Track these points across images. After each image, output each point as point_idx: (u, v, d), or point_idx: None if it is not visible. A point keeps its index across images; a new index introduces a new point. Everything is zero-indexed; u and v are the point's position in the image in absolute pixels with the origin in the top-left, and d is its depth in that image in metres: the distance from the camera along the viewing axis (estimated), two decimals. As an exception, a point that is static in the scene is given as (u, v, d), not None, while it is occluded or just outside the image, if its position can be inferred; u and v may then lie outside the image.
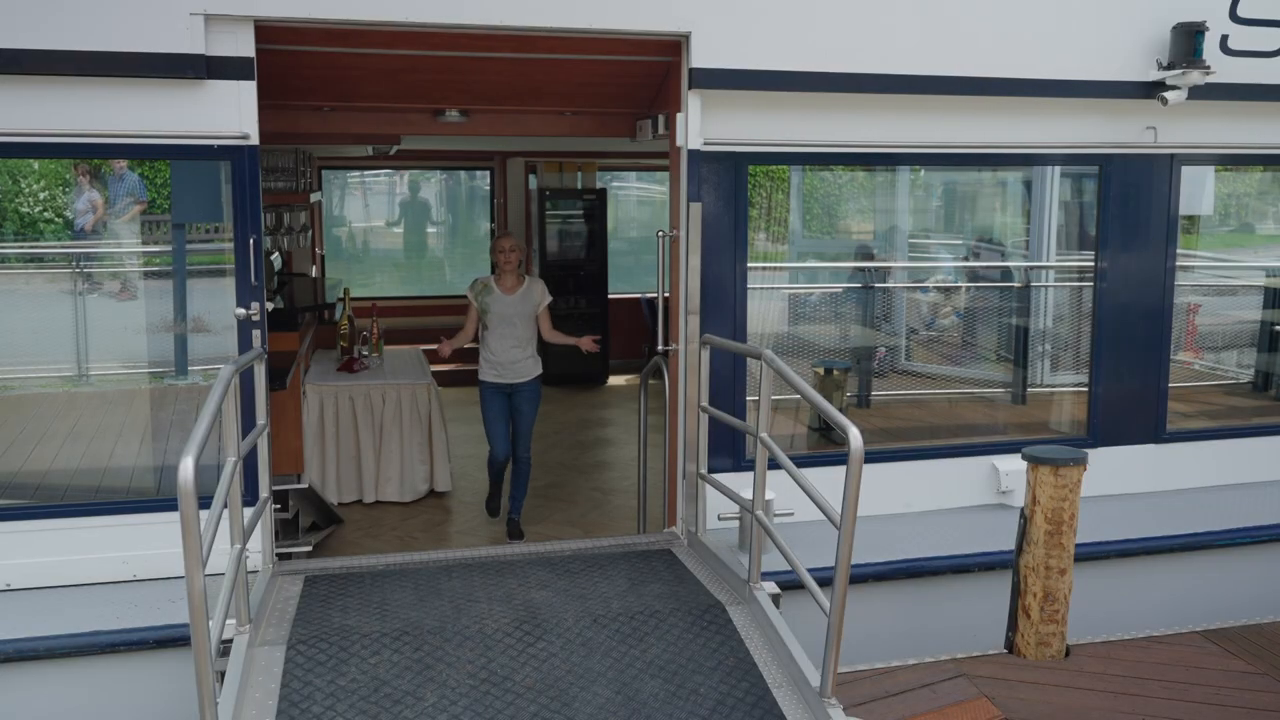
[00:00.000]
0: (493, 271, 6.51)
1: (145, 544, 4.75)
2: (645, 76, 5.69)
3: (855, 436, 3.57)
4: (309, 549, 5.48)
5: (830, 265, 6.92)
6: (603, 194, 11.16)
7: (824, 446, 6.20)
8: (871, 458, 4.92)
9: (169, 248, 5.09)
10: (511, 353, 6.27)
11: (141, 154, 4.79)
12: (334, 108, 6.70)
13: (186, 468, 2.87)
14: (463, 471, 7.59)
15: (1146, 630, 5.26)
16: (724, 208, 5.36)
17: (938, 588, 5.24)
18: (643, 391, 6.20)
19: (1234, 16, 5.83)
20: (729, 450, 5.47)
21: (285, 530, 5.75)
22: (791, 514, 4.88)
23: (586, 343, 6.36)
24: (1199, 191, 6.54)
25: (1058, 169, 6.50)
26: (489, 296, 6.28)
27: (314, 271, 9.26)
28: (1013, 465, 5.71)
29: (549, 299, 6.39)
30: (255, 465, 4.75)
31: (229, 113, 4.66)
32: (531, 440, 6.54)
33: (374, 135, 7.64)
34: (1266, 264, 7.51)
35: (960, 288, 7.00)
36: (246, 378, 4.60)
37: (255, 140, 4.70)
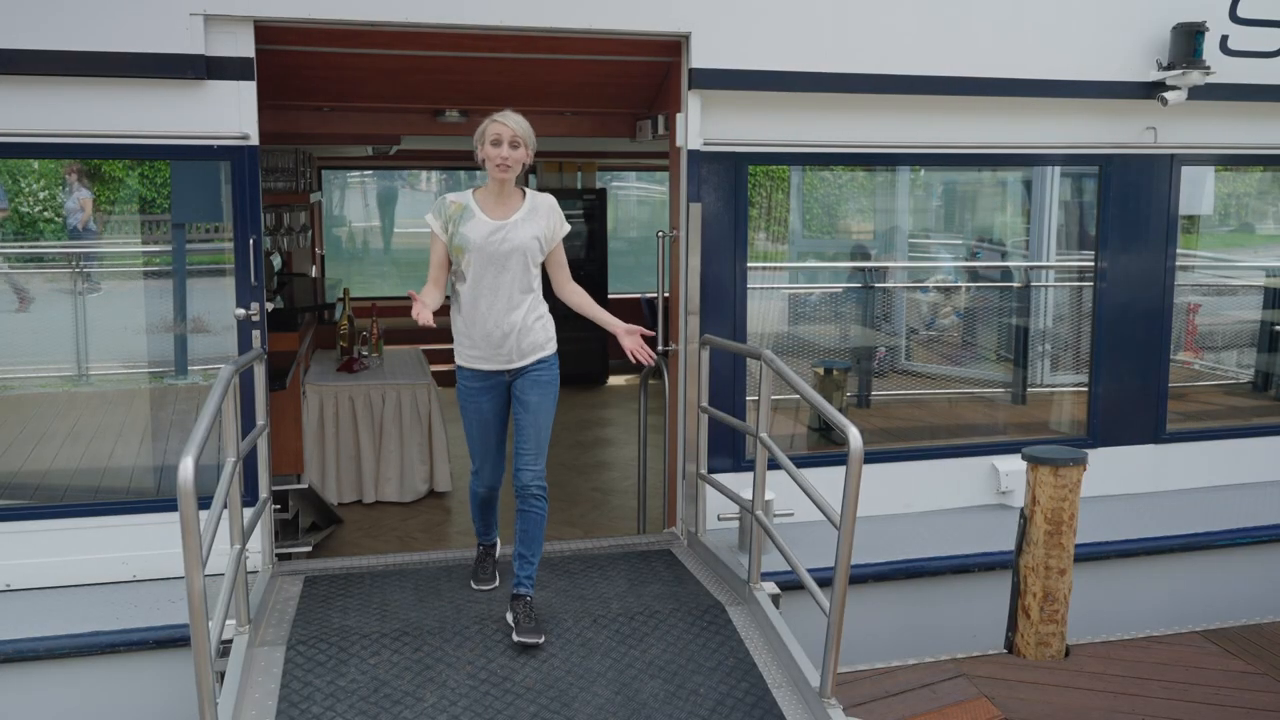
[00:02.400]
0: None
1: (145, 544, 4.75)
2: (645, 77, 5.69)
3: (855, 437, 3.58)
4: (309, 549, 5.48)
5: (830, 265, 6.92)
6: (603, 194, 11.16)
7: (824, 446, 6.20)
8: (871, 458, 4.93)
9: (169, 248, 5.08)
10: (507, 318, 4.05)
11: (141, 154, 4.79)
12: (334, 108, 6.70)
13: (186, 468, 2.87)
14: (462, 472, 7.57)
15: (1146, 630, 5.26)
16: (724, 208, 5.36)
17: (938, 588, 5.25)
18: (643, 391, 6.20)
19: (1234, 17, 5.83)
20: (729, 450, 5.47)
21: (285, 530, 5.76)
22: (791, 514, 4.88)
23: (636, 345, 4.09)
24: (1199, 191, 6.54)
25: (1058, 169, 6.50)
26: (466, 224, 4.01)
27: (314, 271, 9.26)
28: (1013, 465, 5.71)
29: (567, 227, 4.20)
30: (255, 465, 4.75)
31: (229, 113, 4.66)
32: (547, 455, 4.22)
33: (374, 135, 7.64)
34: (1266, 264, 7.51)
35: (960, 288, 7.00)
36: (246, 378, 4.60)
37: (255, 140, 4.70)
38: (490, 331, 4.07)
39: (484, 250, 3.98)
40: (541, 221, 4.08)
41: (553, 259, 4.19)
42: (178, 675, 4.26)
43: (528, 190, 4.14)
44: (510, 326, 4.07)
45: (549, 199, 4.15)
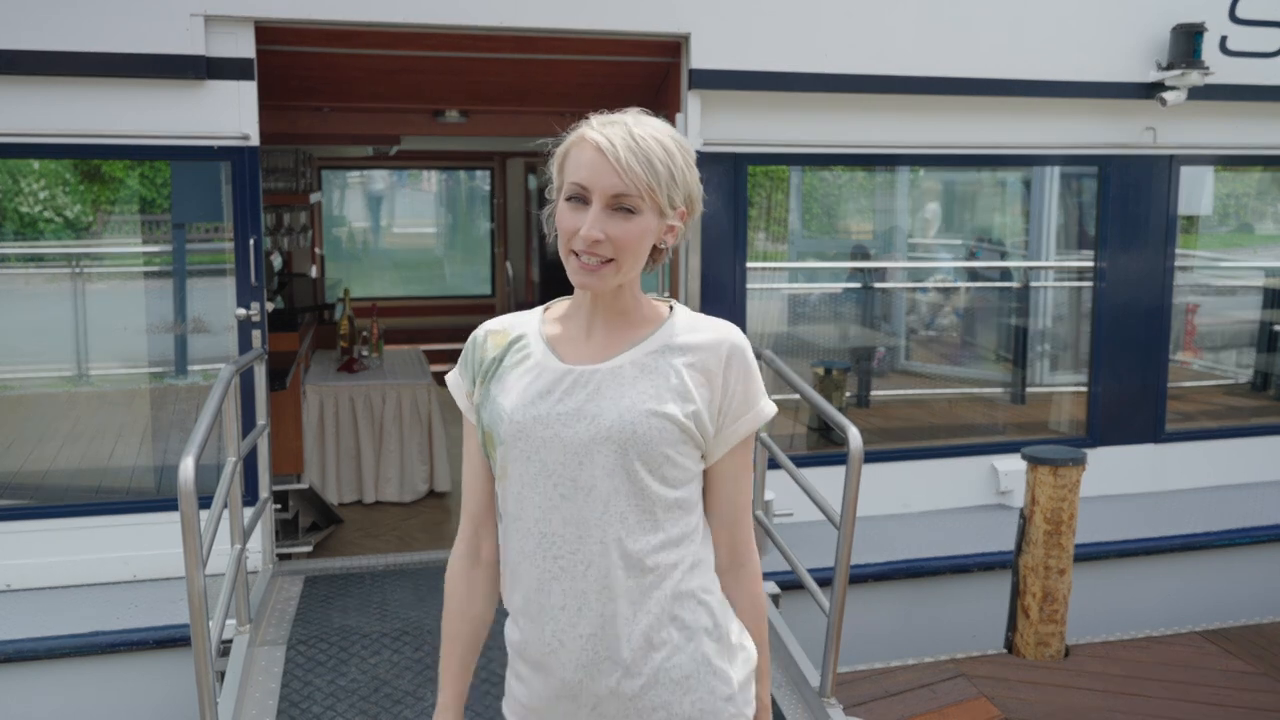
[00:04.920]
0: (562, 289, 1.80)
1: (145, 544, 4.75)
2: (645, 77, 5.70)
3: (855, 436, 3.58)
4: (309, 549, 5.48)
5: (830, 265, 6.93)
6: (602, 194, 11.14)
7: (824, 446, 6.20)
8: (871, 458, 4.93)
9: (169, 248, 5.09)
10: (595, 617, 1.65)
11: (141, 155, 4.79)
12: (334, 108, 6.70)
13: (186, 468, 2.88)
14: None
15: (1146, 630, 5.26)
16: (724, 208, 5.36)
17: (938, 588, 5.25)
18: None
19: (1233, 17, 5.84)
20: (729, 450, 5.46)
21: (285, 530, 5.76)
22: (791, 514, 4.88)
23: None
24: (1198, 192, 6.55)
25: (1057, 169, 6.51)
26: (507, 376, 1.72)
27: (313, 272, 9.26)
28: (1012, 465, 5.71)
29: (768, 408, 1.73)
30: (255, 465, 4.75)
31: (229, 114, 4.66)
32: None
33: (374, 135, 7.65)
34: (1266, 264, 7.52)
35: (959, 288, 7.00)
36: (246, 378, 4.61)
37: (255, 141, 4.70)
38: (554, 655, 1.68)
39: (530, 437, 1.68)
40: (687, 378, 1.68)
41: (717, 486, 1.75)
42: (178, 675, 4.25)
43: (677, 306, 1.78)
44: (606, 648, 1.66)
45: (729, 335, 1.73)
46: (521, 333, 1.76)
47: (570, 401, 1.67)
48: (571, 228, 1.63)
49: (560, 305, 1.81)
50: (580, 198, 1.63)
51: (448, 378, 1.85)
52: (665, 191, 1.62)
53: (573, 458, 1.66)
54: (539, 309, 1.83)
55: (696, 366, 1.69)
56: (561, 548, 1.66)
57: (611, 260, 1.62)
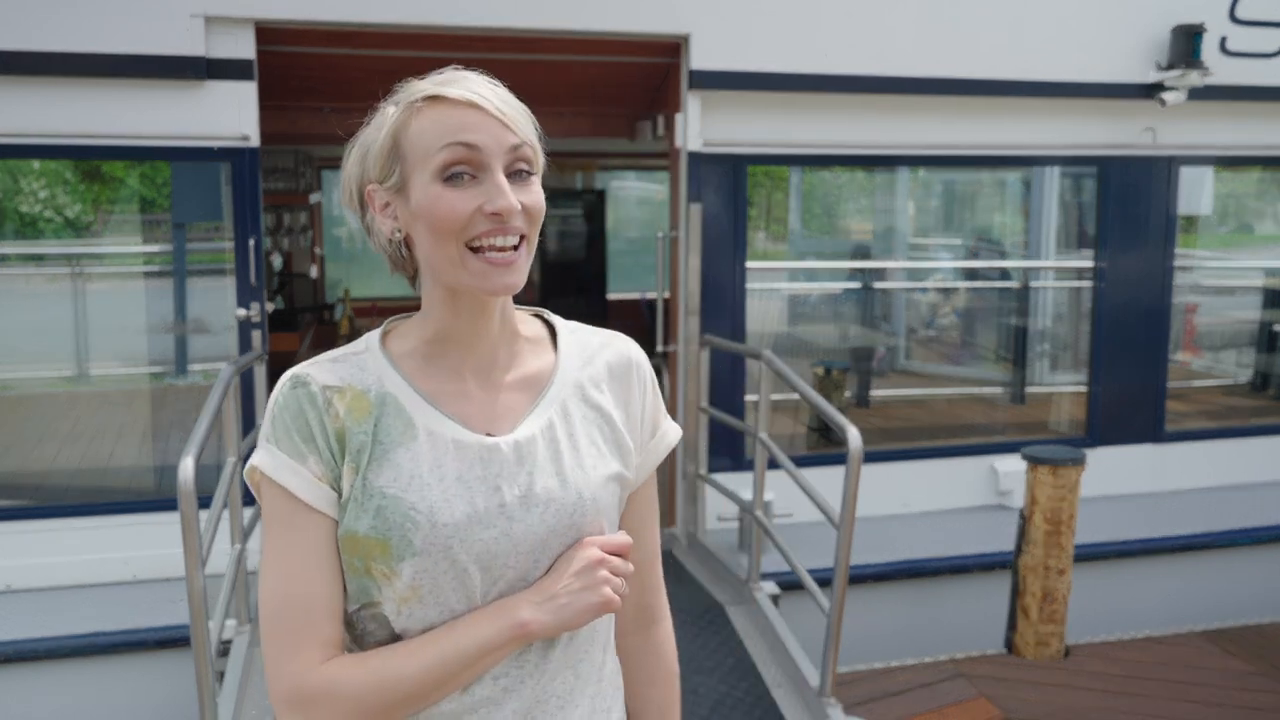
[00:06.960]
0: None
1: (145, 544, 4.75)
2: (645, 78, 5.70)
3: (854, 436, 3.58)
4: (309, 549, 5.47)
5: (830, 265, 6.93)
6: (602, 194, 11.17)
7: (823, 446, 6.20)
8: (870, 458, 4.93)
9: (169, 247, 5.09)
10: None
11: (141, 155, 4.80)
12: (334, 108, 6.70)
13: (186, 468, 2.88)
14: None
15: (1146, 630, 5.27)
16: (724, 209, 5.36)
17: (937, 588, 5.25)
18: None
19: (1233, 18, 5.84)
20: (729, 451, 5.47)
21: (285, 530, 5.75)
22: (791, 514, 4.89)
23: None
24: (1198, 192, 6.55)
25: (1057, 169, 6.51)
26: (394, 454, 1.23)
27: (313, 272, 9.26)
28: (1012, 465, 5.72)
29: (676, 428, 1.46)
30: (255, 465, 4.75)
31: (229, 114, 4.66)
32: None
33: (374, 136, 7.63)
34: (1266, 264, 7.52)
35: (959, 288, 7.00)
36: (246, 378, 4.61)
37: (256, 142, 4.71)
38: None
39: (467, 542, 1.23)
40: (616, 417, 1.37)
41: (626, 529, 1.38)
42: (178, 675, 4.25)
43: (553, 319, 1.43)
44: None
45: (629, 349, 1.42)
46: (382, 389, 1.26)
47: (512, 487, 1.24)
48: (465, 210, 1.21)
49: (404, 336, 1.34)
50: (465, 170, 1.21)
51: (262, 461, 1.24)
52: (533, 136, 1.28)
53: (528, 558, 1.25)
54: (370, 345, 1.32)
55: (617, 399, 1.36)
56: (511, 674, 1.27)
57: (524, 239, 1.27)
